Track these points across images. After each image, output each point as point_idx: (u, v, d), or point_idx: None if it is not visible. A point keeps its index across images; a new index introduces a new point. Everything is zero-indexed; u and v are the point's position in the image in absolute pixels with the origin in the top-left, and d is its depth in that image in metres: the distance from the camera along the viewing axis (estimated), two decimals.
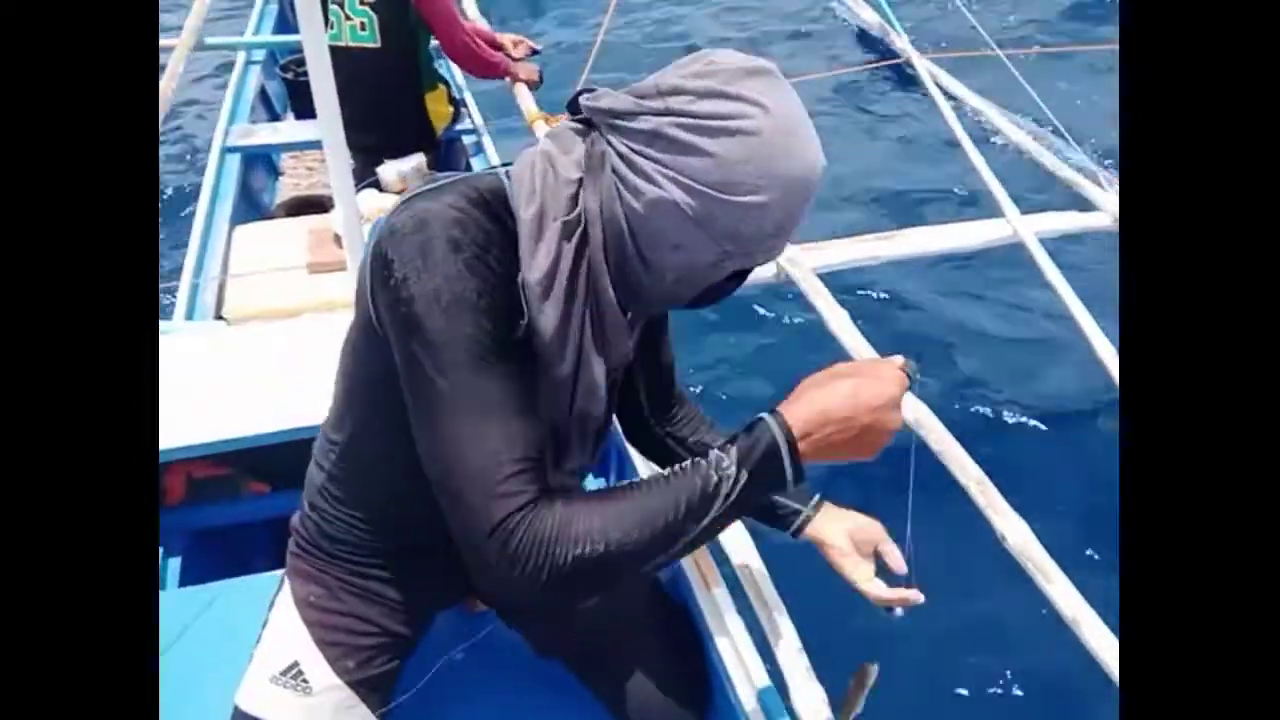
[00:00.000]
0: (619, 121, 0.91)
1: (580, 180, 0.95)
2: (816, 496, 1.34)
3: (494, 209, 0.94)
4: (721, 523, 0.92)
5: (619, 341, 1.02)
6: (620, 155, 0.91)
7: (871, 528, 1.33)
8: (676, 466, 0.93)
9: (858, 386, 0.92)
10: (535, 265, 0.93)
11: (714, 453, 0.92)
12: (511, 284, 0.93)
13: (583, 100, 0.96)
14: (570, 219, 0.94)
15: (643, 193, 0.90)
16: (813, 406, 0.92)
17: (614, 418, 1.31)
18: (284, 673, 1.22)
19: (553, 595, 0.89)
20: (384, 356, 0.97)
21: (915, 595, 1.28)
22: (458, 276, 0.88)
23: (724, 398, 3.00)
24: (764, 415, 0.93)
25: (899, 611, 1.29)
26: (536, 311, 0.94)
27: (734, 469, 0.90)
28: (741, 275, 1.00)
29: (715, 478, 0.90)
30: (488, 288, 0.90)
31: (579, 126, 0.98)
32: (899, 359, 0.98)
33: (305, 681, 1.22)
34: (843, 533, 1.31)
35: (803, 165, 0.89)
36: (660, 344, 1.30)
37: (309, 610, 1.25)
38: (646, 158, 0.89)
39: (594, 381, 1.02)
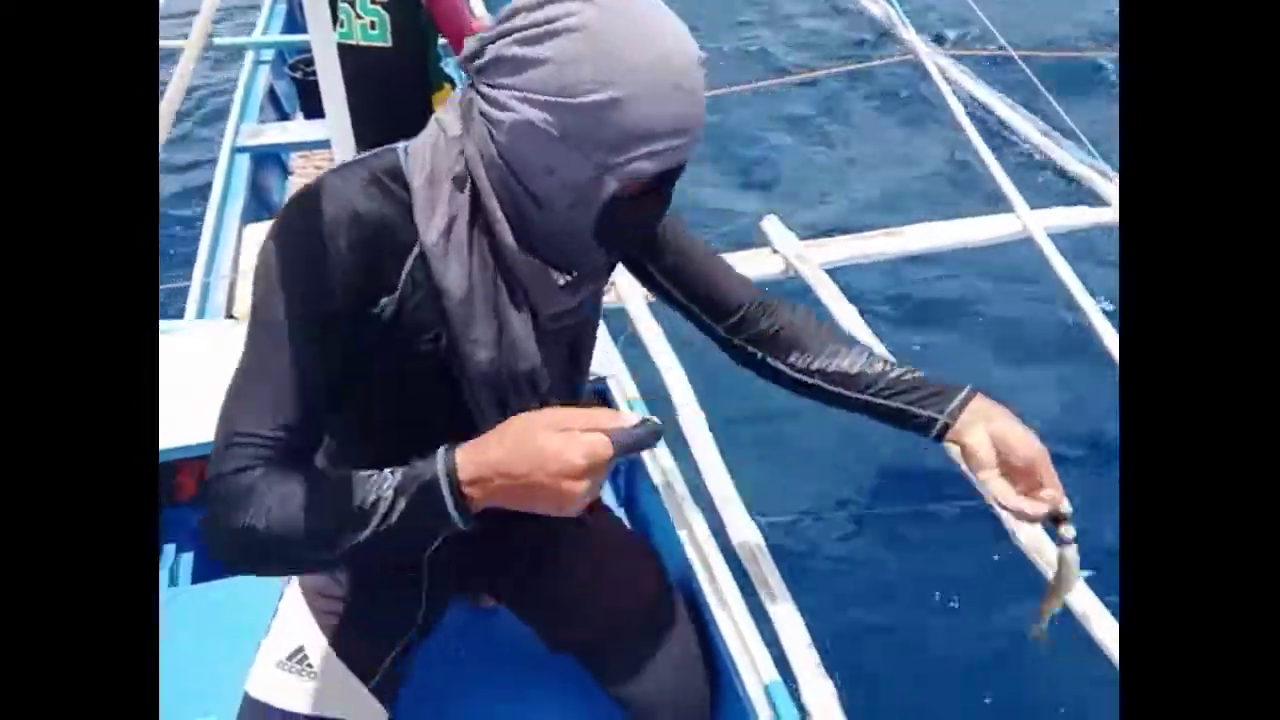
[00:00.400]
0: (474, 62, 0.92)
1: (462, 135, 0.96)
2: (964, 393, 1.19)
3: (385, 185, 0.97)
4: (392, 541, 0.89)
5: (542, 293, 1.00)
6: (481, 95, 0.92)
7: (1028, 442, 1.12)
8: (366, 474, 0.91)
9: (544, 452, 0.86)
10: (432, 227, 0.95)
11: (385, 472, 0.90)
12: (382, 259, 0.95)
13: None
14: (459, 173, 0.96)
15: (502, 122, 0.89)
16: (488, 456, 0.88)
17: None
18: (289, 657, 1.23)
19: (220, 553, 0.92)
20: None
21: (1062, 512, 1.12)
22: (300, 242, 0.92)
23: (729, 396, 2.99)
24: (441, 451, 0.89)
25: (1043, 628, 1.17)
26: (441, 273, 0.96)
27: (391, 494, 0.88)
28: (655, 195, 0.96)
29: (373, 497, 0.88)
30: (338, 253, 0.92)
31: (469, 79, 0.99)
32: (632, 417, 0.90)
33: (310, 665, 1.23)
34: (985, 440, 1.14)
35: (649, 53, 0.84)
36: (676, 263, 1.24)
37: (313, 594, 1.27)
38: (497, 86, 0.89)
39: (515, 336, 1.02)
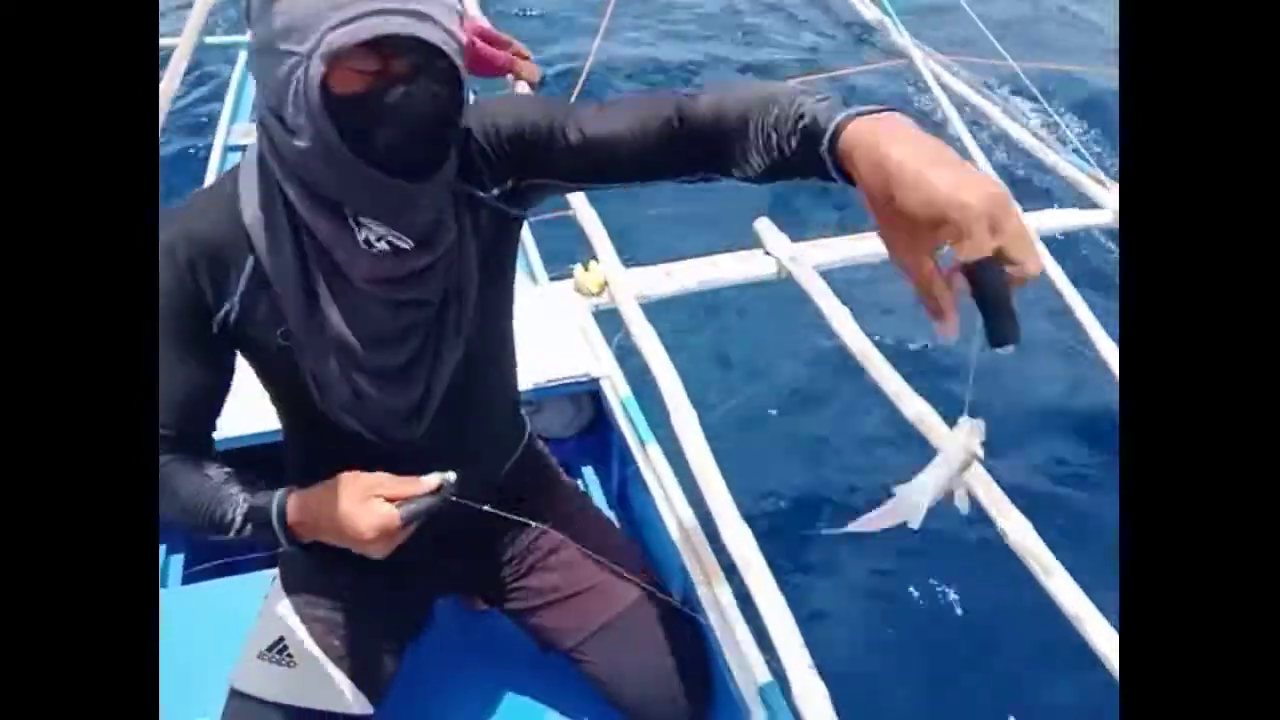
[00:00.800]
0: None
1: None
2: (866, 109, 0.82)
3: (223, 202, 1.04)
4: (249, 539, 1.10)
5: (347, 254, 1.02)
6: None
7: (980, 178, 0.70)
8: (226, 483, 1.10)
9: (345, 522, 1.03)
10: (248, 205, 1.02)
11: (237, 494, 1.08)
12: (216, 277, 1.04)
13: None
14: (258, 150, 1.02)
15: (250, 76, 0.96)
16: (309, 505, 1.06)
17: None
18: (270, 649, 1.23)
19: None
20: None
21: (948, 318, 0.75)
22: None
23: (725, 397, 3.00)
24: (277, 496, 1.08)
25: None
26: (261, 250, 1.03)
27: (240, 519, 1.08)
28: (382, 78, 0.92)
29: (229, 516, 1.08)
30: (174, 279, 1.02)
31: None
32: (430, 482, 1.05)
33: (290, 657, 1.23)
34: (907, 156, 0.73)
35: None
36: (580, 159, 1.04)
37: (294, 586, 1.27)
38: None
39: (321, 306, 1.05)
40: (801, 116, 0.84)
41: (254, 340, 1.09)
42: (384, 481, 1.05)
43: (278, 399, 1.21)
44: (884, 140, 0.74)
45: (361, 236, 1.01)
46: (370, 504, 1.03)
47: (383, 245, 1.02)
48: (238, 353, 1.13)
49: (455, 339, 1.12)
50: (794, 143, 0.85)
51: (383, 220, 1.01)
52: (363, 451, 1.12)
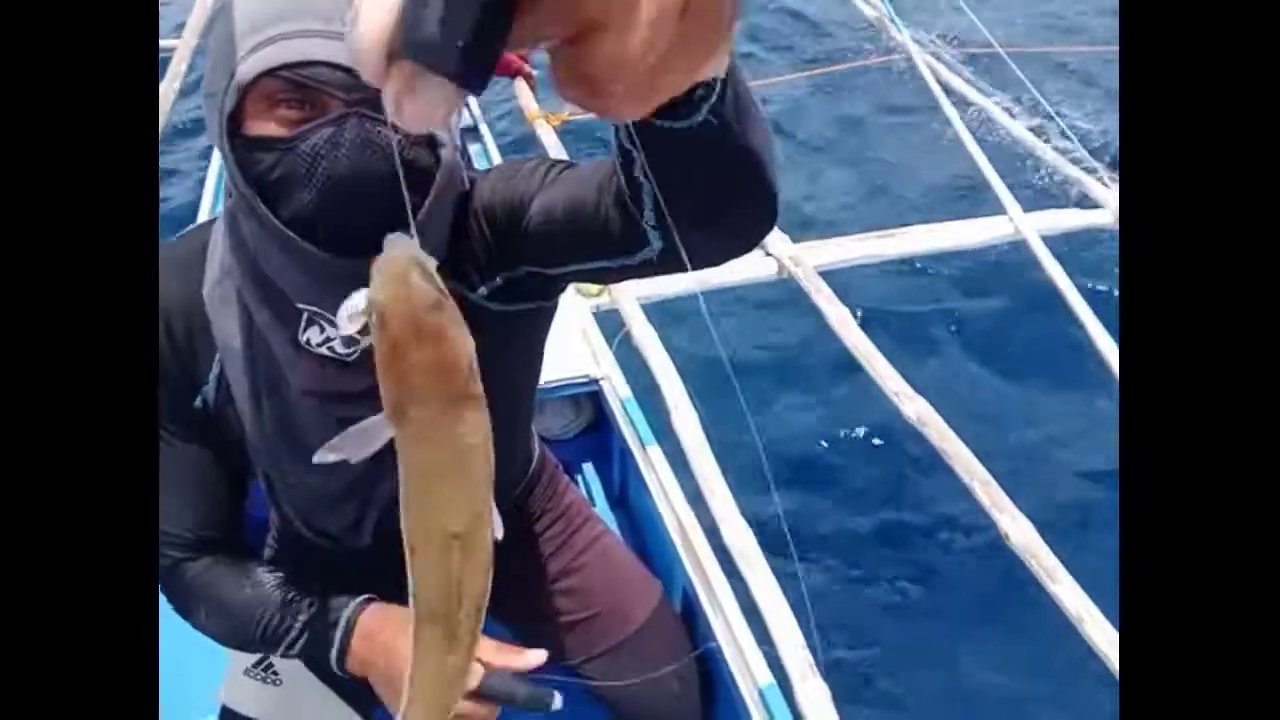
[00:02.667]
0: None
1: None
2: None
3: (184, 262, 0.94)
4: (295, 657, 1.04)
5: (284, 353, 0.87)
6: None
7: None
8: (281, 589, 1.01)
9: (389, 685, 0.96)
10: (207, 278, 0.91)
11: (300, 621, 0.99)
12: (191, 348, 0.93)
13: None
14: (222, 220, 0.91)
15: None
16: (370, 661, 0.98)
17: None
18: (255, 665, 1.22)
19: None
20: None
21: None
22: None
23: (726, 397, 2.99)
24: (343, 625, 0.98)
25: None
26: (219, 326, 0.90)
27: (296, 645, 1.00)
28: (288, 113, 0.75)
29: (287, 623, 0.99)
30: (162, 360, 0.92)
31: None
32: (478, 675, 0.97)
33: (275, 673, 1.22)
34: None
35: None
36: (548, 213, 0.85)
37: None
38: None
39: (281, 390, 0.92)
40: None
41: (226, 435, 0.97)
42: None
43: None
44: None
45: (303, 335, 0.85)
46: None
47: (322, 351, 0.86)
48: None
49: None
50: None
51: (324, 309, 0.83)
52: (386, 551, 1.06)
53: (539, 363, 1.11)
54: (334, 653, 0.98)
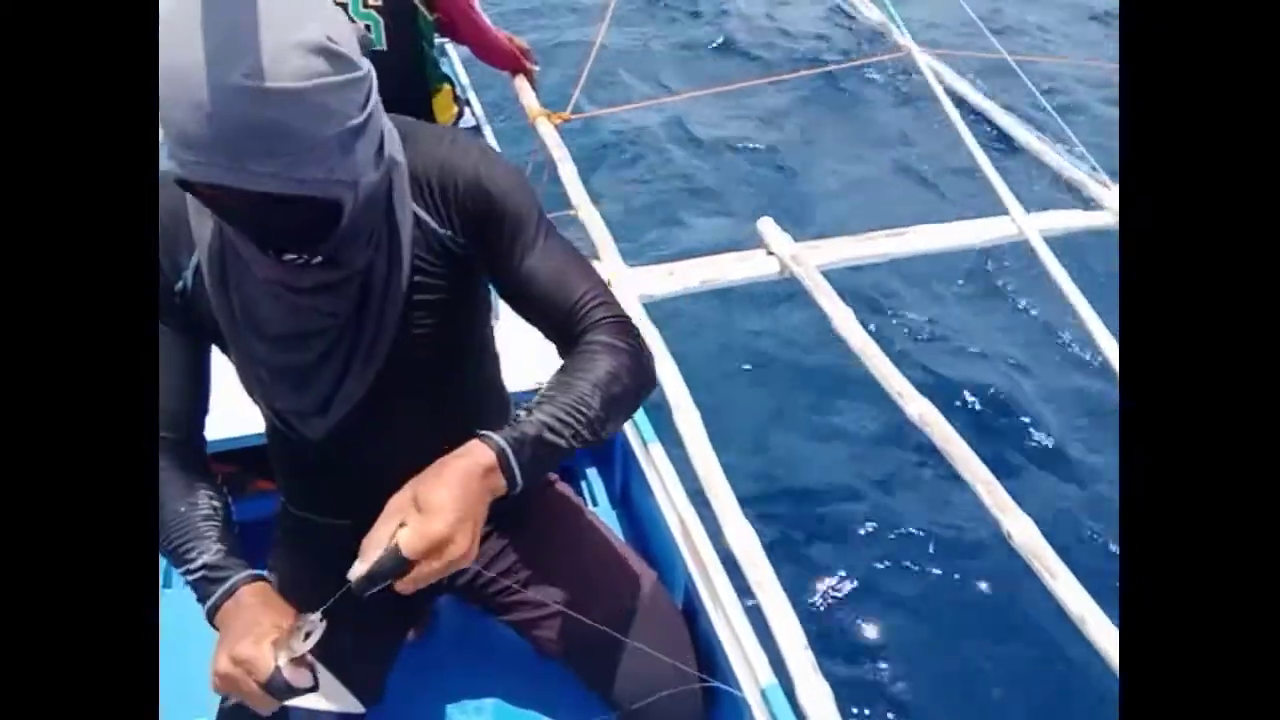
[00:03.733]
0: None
1: None
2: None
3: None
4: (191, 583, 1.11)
5: (252, 256, 1.02)
6: None
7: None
8: (205, 518, 1.12)
9: (221, 647, 1.02)
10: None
11: (204, 546, 1.09)
12: (174, 237, 1.05)
13: None
14: None
15: None
16: (228, 617, 1.06)
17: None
18: None
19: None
20: None
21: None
22: None
23: (728, 397, 3.00)
24: (226, 585, 1.08)
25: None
26: (197, 227, 1.05)
27: (196, 570, 1.09)
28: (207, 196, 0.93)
29: (190, 556, 1.09)
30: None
31: None
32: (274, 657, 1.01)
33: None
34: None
35: (185, 57, 0.81)
36: (524, 285, 1.13)
37: (282, 587, 1.26)
38: None
39: (242, 290, 1.06)
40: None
41: (202, 319, 1.10)
42: (271, 633, 1.01)
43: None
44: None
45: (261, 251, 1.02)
46: (240, 645, 0.99)
47: (286, 256, 1.01)
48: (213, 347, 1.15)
49: (368, 355, 1.11)
50: None
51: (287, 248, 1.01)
52: (343, 450, 1.18)
53: (487, 319, 1.29)
54: (208, 606, 1.07)
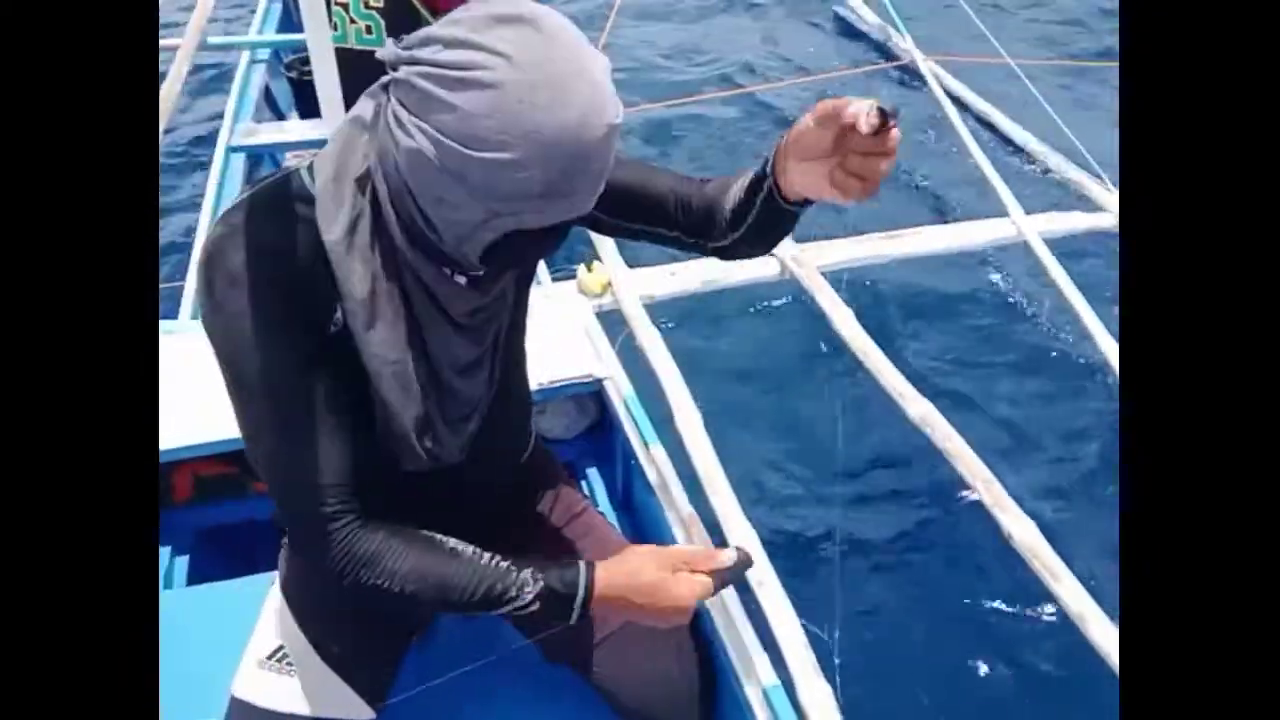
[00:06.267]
0: (389, 73, 0.90)
1: (370, 132, 0.94)
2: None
3: (285, 203, 0.97)
4: (507, 618, 1.07)
5: (447, 294, 1.00)
6: (391, 106, 0.89)
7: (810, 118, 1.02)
8: (493, 559, 1.05)
9: (661, 591, 1.06)
10: (335, 225, 0.95)
11: (527, 573, 1.05)
12: (315, 276, 0.95)
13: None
14: (362, 174, 0.95)
15: (400, 143, 0.87)
16: (620, 586, 1.07)
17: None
18: (270, 656, 1.23)
19: (351, 596, 1.04)
20: None
21: None
22: (240, 311, 0.93)
23: (729, 397, 3.00)
24: (583, 569, 1.07)
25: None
26: (344, 275, 0.95)
27: (529, 599, 1.04)
28: (553, 232, 0.94)
29: (513, 593, 1.04)
30: (278, 297, 0.95)
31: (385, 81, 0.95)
32: (729, 556, 1.10)
33: (290, 665, 1.23)
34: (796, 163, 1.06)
35: (557, 123, 0.82)
36: (618, 204, 1.15)
37: (293, 590, 1.26)
38: (404, 107, 0.87)
39: (429, 336, 1.02)
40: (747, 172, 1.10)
41: (354, 371, 1.02)
42: (685, 554, 1.09)
43: None
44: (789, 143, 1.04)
45: (459, 279, 1.00)
46: (681, 575, 1.07)
47: (459, 279, 1.00)
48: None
49: (506, 358, 1.15)
50: (749, 192, 1.08)
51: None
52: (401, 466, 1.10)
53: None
54: (578, 609, 1.07)
